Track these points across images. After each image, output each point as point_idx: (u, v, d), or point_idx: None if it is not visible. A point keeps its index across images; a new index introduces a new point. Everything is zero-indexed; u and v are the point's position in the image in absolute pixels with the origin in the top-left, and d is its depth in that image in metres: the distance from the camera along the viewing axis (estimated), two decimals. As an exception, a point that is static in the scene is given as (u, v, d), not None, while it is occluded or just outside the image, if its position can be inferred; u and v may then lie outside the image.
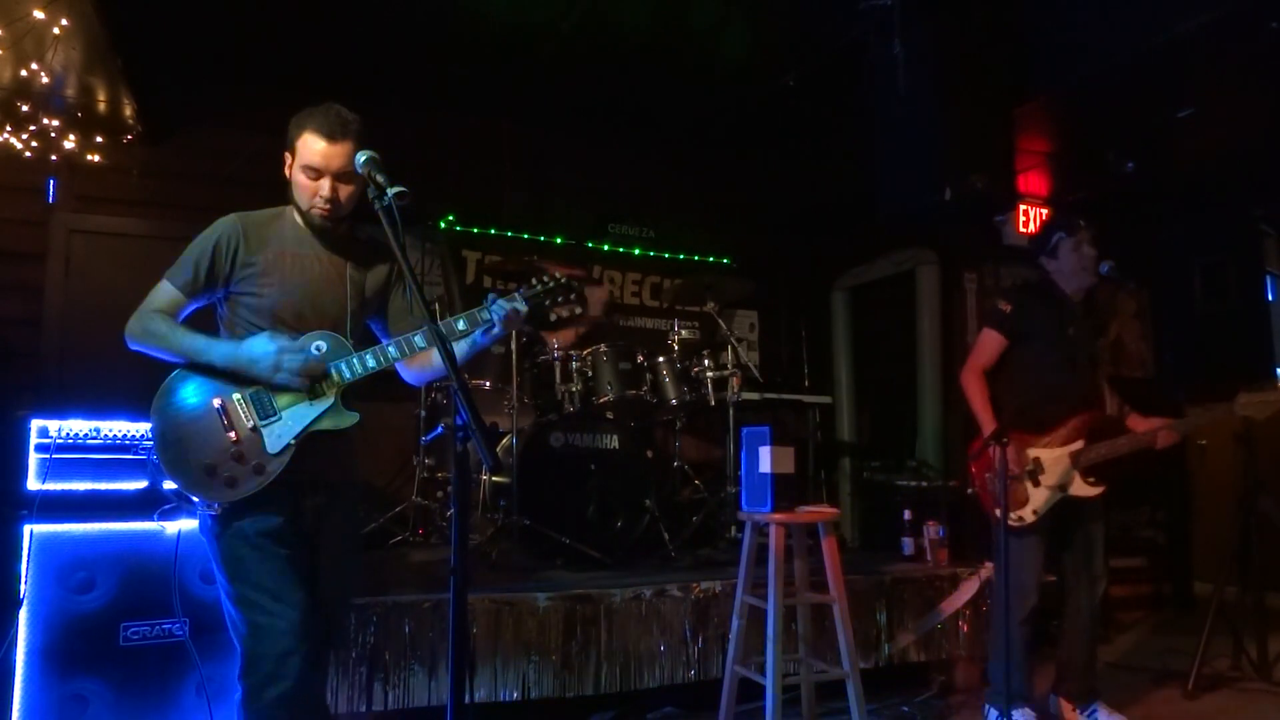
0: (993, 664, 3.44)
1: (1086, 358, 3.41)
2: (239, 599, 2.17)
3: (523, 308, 2.35)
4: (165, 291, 2.28)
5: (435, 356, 2.40)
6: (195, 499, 2.21)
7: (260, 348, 2.19)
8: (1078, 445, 3.30)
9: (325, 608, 2.30)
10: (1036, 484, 3.33)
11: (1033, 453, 3.35)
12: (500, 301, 2.34)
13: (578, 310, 2.51)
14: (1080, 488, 3.30)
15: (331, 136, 2.22)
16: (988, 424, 3.35)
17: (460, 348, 2.39)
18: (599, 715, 3.45)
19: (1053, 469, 3.33)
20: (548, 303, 2.47)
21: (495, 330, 2.35)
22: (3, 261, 4.72)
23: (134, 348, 2.25)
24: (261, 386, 2.21)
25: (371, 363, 2.28)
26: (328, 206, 2.29)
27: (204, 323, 2.35)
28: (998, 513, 3.30)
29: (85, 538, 2.75)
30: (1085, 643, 3.43)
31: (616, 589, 3.33)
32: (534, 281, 2.46)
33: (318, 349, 2.26)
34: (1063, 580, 3.48)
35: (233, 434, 2.18)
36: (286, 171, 2.34)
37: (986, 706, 3.44)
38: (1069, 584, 3.45)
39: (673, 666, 3.35)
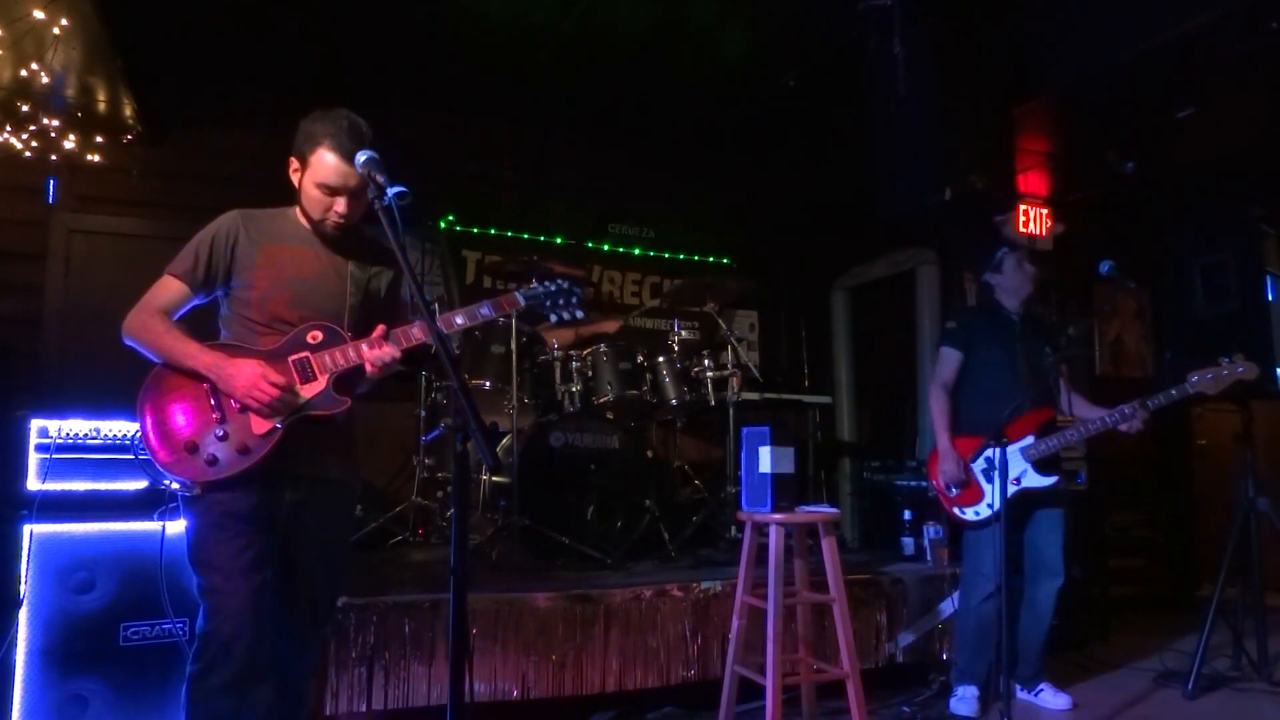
0: (957, 644, 3.68)
1: (1036, 365, 3.60)
2: (199, 587, 2.14)
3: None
4: (167, 286, 2.26)
5: None
6: (176, 480, 2.17)
7: (245, 367, 2.14)
8: (1027, 440, 3.52)
9: (300, 610, 2.29)
10: (990, 480, 3.53)
11: (986, 452, 3.54)
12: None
13: (578, 314, 2.48)
14: (1033, 479, 3.52)
15: (350, 157, 2.17)
16: (942, 436, 3.64)
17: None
18: (599, 715, 3.44)
19: (1005, 465, 3.47)
20: (548, 304, 2.46)
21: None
22: (3, 261, 4.72)
23: (127, 343, 2.23)
24: None
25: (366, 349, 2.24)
26: (341, 220, 2.29)
27: (204, 322, 2.34)
28: (955, 511, 3.64)
29: (85, 538, 2.75)
30: (1039, 631, 3.61)
31: (616, 589, 3.33)
32: (535, 282, 2.46)
33: (313, 339, 2.26)
34: (1021, 569, 3.66)
35: (218, 414, 2.16)
36: (293, 176, 2.30)
37: (954, 685, 3.62)
38: (1027, 573, 3.65)
39: (673, 666, 3.35)
